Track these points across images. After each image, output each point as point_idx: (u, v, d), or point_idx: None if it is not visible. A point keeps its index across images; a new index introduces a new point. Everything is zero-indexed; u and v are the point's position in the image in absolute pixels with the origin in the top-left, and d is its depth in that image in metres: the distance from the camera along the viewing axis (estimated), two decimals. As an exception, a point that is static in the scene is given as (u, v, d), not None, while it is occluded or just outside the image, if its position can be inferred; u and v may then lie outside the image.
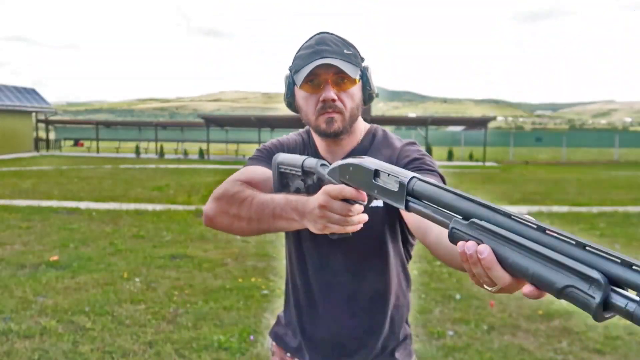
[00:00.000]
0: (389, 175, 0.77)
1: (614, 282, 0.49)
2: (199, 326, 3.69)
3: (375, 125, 1.28)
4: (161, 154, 26.25)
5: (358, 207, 0.90)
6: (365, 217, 0.92)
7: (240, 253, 5.84)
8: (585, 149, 31.44)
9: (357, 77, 1.12)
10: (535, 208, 8.86)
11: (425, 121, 25.04)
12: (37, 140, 29.14)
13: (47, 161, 20.88)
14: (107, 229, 7.00)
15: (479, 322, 3.82)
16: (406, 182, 0.73)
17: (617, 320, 3.84)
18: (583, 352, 3.35)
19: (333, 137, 1.16)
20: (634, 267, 0.48)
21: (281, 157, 1.15)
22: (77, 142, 32.59)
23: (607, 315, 0.50)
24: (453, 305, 4.20)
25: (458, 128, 35.24)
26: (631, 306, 0.48)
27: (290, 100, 1.19)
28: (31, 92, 28.54)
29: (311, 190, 1.03)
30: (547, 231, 0.55)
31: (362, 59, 1.16)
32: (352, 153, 1.21)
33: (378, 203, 1.11)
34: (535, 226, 0.56)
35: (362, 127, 1.25)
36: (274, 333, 1.37)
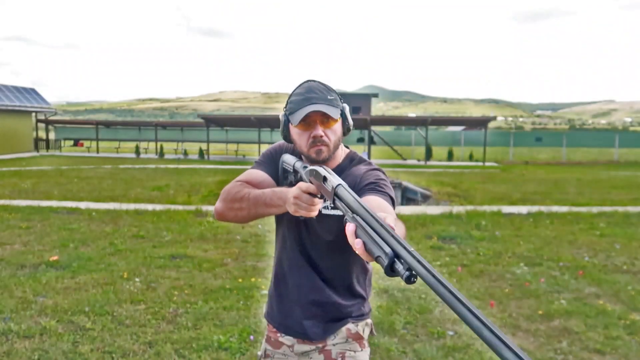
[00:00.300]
0: (329, 181, 1.19)
1: (398, 256, 0.88)
2: (198, 326, 3.69)
3: (353, 151, 1.62)
4: (161, 154, 26.25)
5: (318, 200, 1.27)
6: (319, 203, 1.29)
7: (240, 253, 5.84)
8: (585, 149, 31.41)
9: (338, 117, 1.46)
10: (535, 208, 8.85)
11: (425, 121, 25.03)
12: (37, 140, 29.13)
13: (47, 161, 20.88)
14: (107, 229, 7.00)
15: (478, 322, 3.82)
16: (335, 186, 1.15)
17: (617, 321, 3.84)
18: (583, 352, 3.35)
19: (321, 163, 1.47)
20: (408, 250, 0.86)
21: (285, 157, 1.56)
22: (77, 142, 32.56)
23: (394, 274, 0.89)
24: (453, 305, 4.20)
25: (458, 128, 35.22)
26: (402, 270, 0.86)
27: (286, 134, 1.53)
28: (31, 92, 28.53)
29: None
30: (382, 224, 0.95)
31: (341, 100, 1.51)
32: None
33: (339, 212, 1.43)
34: (379, 222, 0.96)
35: (341, 152, 1.58)
36: (265, 308, 1.73)
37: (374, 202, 1.30)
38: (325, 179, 1.22)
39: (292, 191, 1.29)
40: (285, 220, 1.58)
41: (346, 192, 1.11)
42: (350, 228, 1.01)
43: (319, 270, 1.56)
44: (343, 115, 1.49)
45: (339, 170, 1.51)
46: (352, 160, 1.58)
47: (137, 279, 4.79)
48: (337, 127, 1.48)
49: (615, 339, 3.54)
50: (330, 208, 1.49)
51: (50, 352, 3.24)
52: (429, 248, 6.12)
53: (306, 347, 1.60)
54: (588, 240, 6.65)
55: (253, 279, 4.80)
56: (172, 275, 4.95)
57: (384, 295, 4.42)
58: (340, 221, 1.43)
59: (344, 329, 1.59)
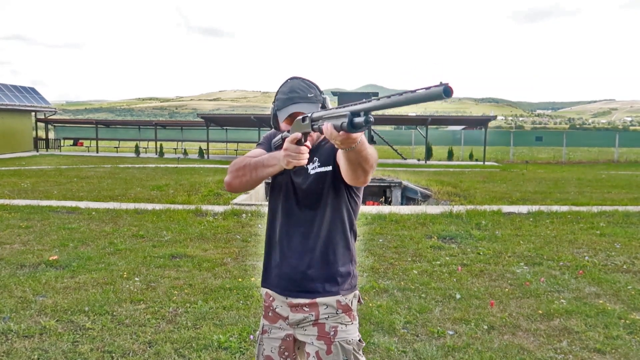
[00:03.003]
0: (305, 118, 1.45)
1: (356, 114, 1.19)
2: (198, 326, 3.69)
3: None
4: (161, 153, 26.24)
5: (304, 148, 1.46)
6: (305, 150, 1.47)
7: (239, 253, 5.84)
8: (586, 149, 31.40)
9: None
10: (535, 207, 8.85)
11: (425, 120, 25.02)
12: (37, 139, 29.11)
13: (47, 160, 20.87)
14: (106, 229, 7.00)
15: (479, 322, 3.82)
16: (310, 115, 1.42)
17: (617, 320, 3.83)
18: (583, 352, 3.35)
19: None
20: (362, 112, 1.18)
21: (272, 141, 1.78)
22: (76, 142, 32.54)
23: (356, 129, 1.21)
24: (453, 304, 4.20)
25: (458, 127, 35.19)
26: (358, 120, 1.18)
27: (275, 125, 1.77)
28: (30, 91, 28.52)
29: None
30: (347, 107, 1.23)
31: (322, 93, 1.72)
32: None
33: (327, 168, 1.69)
34: (339, 109, 1.27)
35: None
36: (261, 280, 1.86)
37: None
38: (304, 119, 1.44)
39: (283, 147, 1.50)
40: (277, 185, 1.79)
41: (318, 112, 1.38)
42: (325, 126, 1.29)
43: (309, 226, 1.72)
44: (324, 107, 1.70)
45: (325, 142, 1.75)
46: None
47: (136, 279, 4.78)
48: None
49: (615, 338, 3.54)
50: (317, 167, 1.71)
51: (50, 352, 3.24)
52: (429, 247, 6.11)
53: (299, 316, 1.72)
54: (588, 239, 6.65)
55: (253, 279, 4.80)
56: (171, 274, 4.94)
57: (384, 295, 4.42)
58: (325, 175, 1.70)
59: (334, 300, 1.71)
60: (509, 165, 21.92)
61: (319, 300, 1.70)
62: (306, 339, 1.73)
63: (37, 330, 3.54)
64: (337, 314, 1.71)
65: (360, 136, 1.34)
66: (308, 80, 1.73)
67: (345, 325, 1.72)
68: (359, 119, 1.18)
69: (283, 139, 1.67)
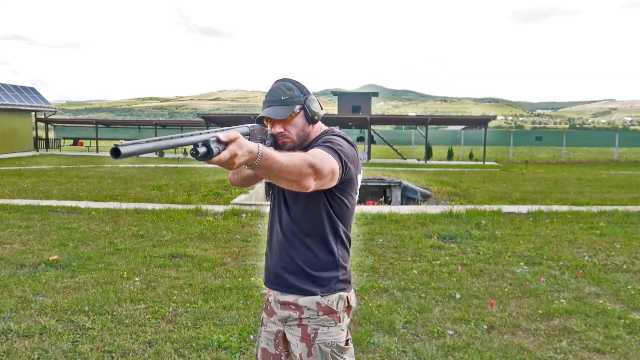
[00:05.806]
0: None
1: (203, 144, 1.21)
2: (198, 325, 3.69)
3: (330, 128, 1.75)
4: (161, 153, 26.24)
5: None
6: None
7: (239, 252, 5.84)
8: (586, 148, 31.42)
9: (292, 113, 1.65)
10: (535, 207, 8.85)
11: (425, 120, 25.02)
12: (37, 139, 29.11)
13: (47, 160, 20.87)
14: (106, 229, 7.00)
15: (478, 322, 3.82)
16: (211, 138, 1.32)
17: (617, 320, 3.83)
18: (583, 352, 3.35)
19: (288, 149, 1.70)
20: (208, 141, 1.20)
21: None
22: (76, 142, 32.53)
23: (200, 159, 1.21)
24: (453, 304, 4.20)
25: (458, 127, 35.21)
26: (201, 149, 1.20)
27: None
28: (30, 91, 28.52)
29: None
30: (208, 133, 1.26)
31: (303, 94, 1.67)
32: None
33: None
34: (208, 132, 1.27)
35: (317, 131, 1.74)
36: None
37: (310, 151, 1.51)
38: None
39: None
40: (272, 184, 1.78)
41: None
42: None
43: (286, 225, 1.73)
44: (305, 107, 1.67)
45: (310, 145, 1.71)
46: (323, 134, 1.75)
47: (136, 279, 4.78)
48: (297, 120, 1.67)
49: (615, 338, 3.54)
50: None
51: (50, 352, 3.24)
52: (429, 247, 6.11)
53: (285, 313, 1.74)
54: (588, 239, 6.65)
55: (253, 278, 4.80)
56: (171, 274, 4.94)
57: (384, 295, 4.42)
58: None
59: (314, 301, 1.70)
60: (508, 165, 21.93)
61: (300, 301, 1.71)
62: (292, 339, 1.75)
63: (37, 330, 3.55)
64: (318, 315, 1.71)
65: (258, 156, 1.26)
66: (292, 81, 1.69)
67: (327, 327, 1.71)
68: (200, 149, 1.19)
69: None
